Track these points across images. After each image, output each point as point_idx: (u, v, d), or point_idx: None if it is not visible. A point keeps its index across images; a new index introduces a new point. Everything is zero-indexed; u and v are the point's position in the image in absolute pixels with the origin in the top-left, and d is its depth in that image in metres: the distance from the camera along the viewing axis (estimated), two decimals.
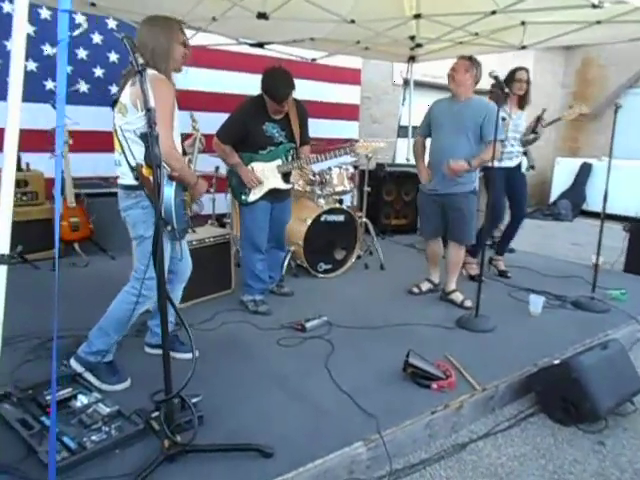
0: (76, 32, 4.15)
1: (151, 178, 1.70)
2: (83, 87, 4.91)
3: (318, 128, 6.40)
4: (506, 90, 3.04)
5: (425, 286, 3.93)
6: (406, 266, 4.67)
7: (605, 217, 3.73)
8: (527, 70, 4.10)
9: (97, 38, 4.97)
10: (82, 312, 2.60)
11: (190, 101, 5.03)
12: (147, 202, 2.27)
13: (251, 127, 3.23)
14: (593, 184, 8.95)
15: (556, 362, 2.59)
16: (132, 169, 1.91)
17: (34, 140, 4.43)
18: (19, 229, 4.04)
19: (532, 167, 4.54)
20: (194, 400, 2.24)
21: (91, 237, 4.34)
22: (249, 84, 3.25)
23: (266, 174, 3.30)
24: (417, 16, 4.18)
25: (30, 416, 2.05)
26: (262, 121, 3.24)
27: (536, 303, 3.55)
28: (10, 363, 2.54)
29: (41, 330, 2.93)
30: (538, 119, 4.16)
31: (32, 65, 4.59)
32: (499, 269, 4.60)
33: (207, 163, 4.15)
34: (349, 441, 2.06)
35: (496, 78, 3.02)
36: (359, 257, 4.76)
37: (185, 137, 2.64)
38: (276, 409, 2.30)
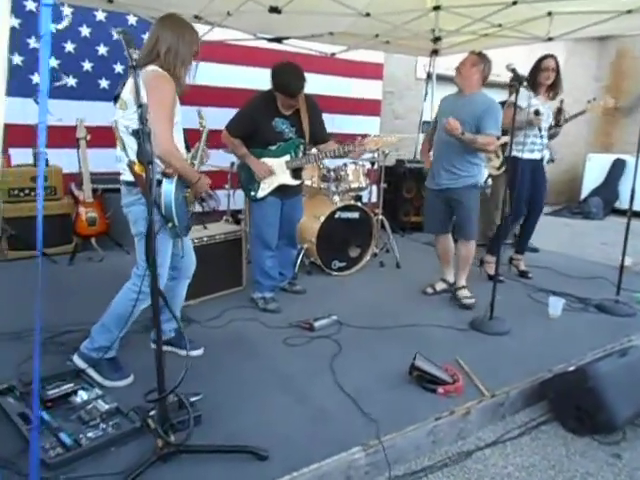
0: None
1: (144, 175, 1.68)
2: (103, 83, 4.95)
3: (338, 123, 6.37)
4: (524, 82, 2.91)
5: (440, 286, 3.83)
6: (423, 265, 4.57)
7: (636, 215, 3.55)
8: (555, 57, 3.90)
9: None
10: (94, 306, 2.59)
11: (202, 96, 5.05)
12: None
13: (260, 122, 3.21)
14: (627, 181, 8.59)
15: (571, 368, 2.47)
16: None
17: (53, 135, 4.54)
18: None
19: (552, 160, 4.36)
20: (193, 399, 2.23)
21: (107, 232, 4.39)
22: (263, 79, 3.20)
23: (275, 170, 3.27)
24: (436, 8, 4.06)
25: (31, 410, 2.06)
26: (272, 117, 3.22)
27: (556, 305, 3.41)
28: (18, 357, 2.58)
29: (53, 324, 2.97)
30: (559, 111, 3.99)
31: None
32: (519, 269, 4.45)
33: (223, 159, 4.14)
34: (347, 445, 2.01)
35: (513, 71, 2.89)
36: (375, 255, 4.69)
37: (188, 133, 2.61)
38: (277, 410, 2.26)
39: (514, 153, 3.90)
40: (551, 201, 9.21)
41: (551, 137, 4.18)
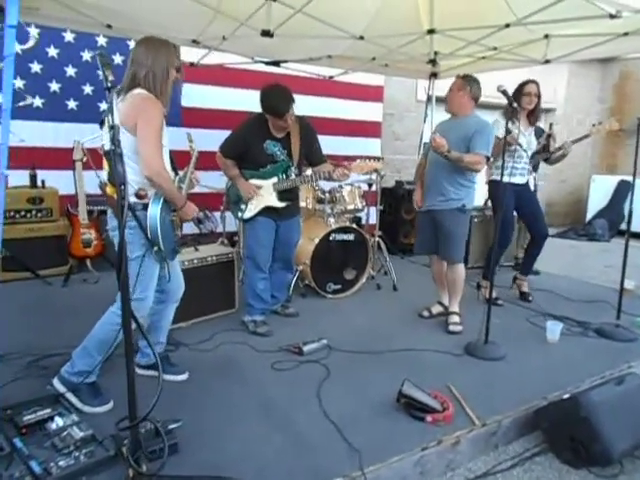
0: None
1: (115, 196, 1.66)
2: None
3: (338, 145, 6.38)
4: (514, 105, 2.89)
5: (436, 309, 3.75)
6: (421, 287, 4.49)
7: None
8: (537, 83, 3.93)
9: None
10: (85, 329, 2.51)
11: (199, 118, 5.09)
12: (134, 222, 2.25)
13: (252, 145, 3.23)
14: (634, 203, 8.48)
15: (565, 397, 2.38)
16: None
17: (50, 157, 4.59)
18: (34, 245, 4.25)
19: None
20: (172, 426, 2.17)
21: (103, 253, 4.38)
22: (255, 101, 3.22)
23: (262, 191, 3.27)
24: (431, 31, 4.07)
25: (3, 437, 2.02)
26: (263, 139, 3.23)
27: (553, 330, 3.32)
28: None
29: (39, 347, 2.94)
30: (548, 136, 3.97)
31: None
32: (521, 290, 4.37)
33: (218, 180, 4.14)
34: (328, 477, 1.93)
35: (504, 92, 2.88)
36: (372, 277, 4.63)
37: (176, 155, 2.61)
38: (258, 438, 2.19)
39: (492, 177, 4.03)
40: (556, 223, 9.13)
41: (558, 159, 4.15)
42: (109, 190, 1.68)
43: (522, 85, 3.94)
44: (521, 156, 3.90)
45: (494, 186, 3.69)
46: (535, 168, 4.19)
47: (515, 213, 4.16)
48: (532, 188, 4.16)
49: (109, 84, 1.68)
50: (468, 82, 3.32)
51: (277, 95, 3.08)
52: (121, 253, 1.68)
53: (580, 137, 4.11)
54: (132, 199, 2.00)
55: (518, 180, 3.98)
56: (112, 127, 1.62)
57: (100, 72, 1.69)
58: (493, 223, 4.85)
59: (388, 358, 3.03)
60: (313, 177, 3.31)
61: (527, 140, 3.95)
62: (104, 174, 2.36)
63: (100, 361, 2.35)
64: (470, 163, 3.24)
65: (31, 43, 3.63)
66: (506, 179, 3.80)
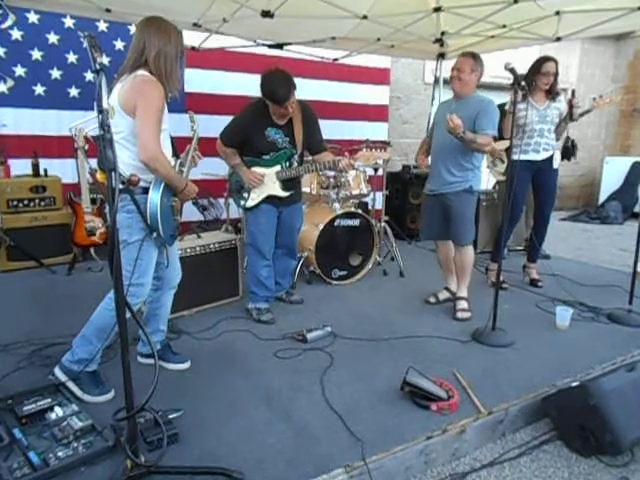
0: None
1: (106, 183, 1.61)
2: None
3: (344, 130, 6.29)
4: (522, 84, 2.77)
5: (443, 295, 3.69)
6: (428, 273, 4.42)
7: None
8: (556, 61, 3.76)
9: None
10: (89, 318, 2.53)
11: (200, 103, 5.01)
12: (132, 206, 2.22)
13: (252, 132, 3.13)
14: None
15: (574, 384, 2.31)
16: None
17: (52, 146, 4.56)
18: (37, 234, 4.23)
19: (572, 154, 4.20)
20: (173, 415, 2.15)
21: (107, 241, 4.35)
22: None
23: (265, 180, 3.19)
24: (437, 9, 3.95)
25: (3, 427, 2.00)
26: (264, 126, 3.13)
27: (563, 315, 3.24)
28: (2, 370, 2.54)
29: (43, 336, 2.94)
30: (570, 103, 3.82)
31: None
32: (531, 277, 4.28)
33: (221, 167, 4.08)
34: (329, 467, 1.89)
35: (512, 71, 2.76)
36: (379, 263, 4.57)
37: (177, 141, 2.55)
38: (259, 428, 2.15)
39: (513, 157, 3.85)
40: (568, 206, 8.98)
41: (581, 115, 3.97)
42: (99, 176, 1.62)
43: (540, 63, 3.77)
44: (533, 132, 3.79)
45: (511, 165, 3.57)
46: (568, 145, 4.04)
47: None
48: (555, 165, 3.98)
49: (97, 66, 1.62)
50: (478, 62, 3.21)
51: (277, 81, 2.94)
52: (113, 240, 1.64)
53: (583, 111, 3.95)
54: (121, 186, 1.94)
55: (533, 157, 3.85)
56: (101, 111, 1.56)
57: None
58: (501, 207, 4.78)
59: (393, 345, 2.98)
60: (317, 166, 3.22)
61: (540, 114, 3.80)
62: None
63: (100, 348, 2.32)
64: (481, 145, 3.15)
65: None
66: (521, 156, 3.72)
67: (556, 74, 3.77)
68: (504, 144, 3.92)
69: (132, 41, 2.28)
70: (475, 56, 3.23)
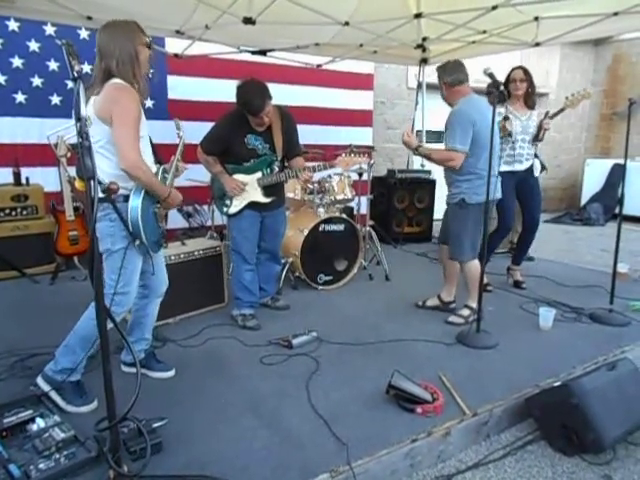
0: None
1: (84, 191, 1.60)
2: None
3: (329, 135, 6.31)
4: (501, 89, 2.81)
5: (432, 302, 3.67)
6: (413, 277, 4.46)
7: (634, 220, 3.43)
8: (524, 69, 3.88)
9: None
10: (72, 327, 2.50)
11: (185, 110, 5.00)
12: (114, 215, 2.19)
13: (233, 139, 3.14)
14: (627, 186, 8.43)
15: (556, 384, 2.34)
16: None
17: (34, 154, 4.51)
18: (19, 243, 4.18)
19: (544, 168, 4.26)
20: (157, 424, 2.13)
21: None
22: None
23: (247, 187, 3.20)
24: (418, 15, 4.00)
25: None
26: (244, 133, 3.14)
27: (546, 316, 3.28)
28: None
29: (25, 347, 2.90)
30: (540, 124, 3.91)
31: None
32: (514, 279, 4.33)
33: (205, 174, 4.06)
34: (314, 472, 1.89)
35: (490, 75, 2.80)
36: (365, 268, 4.58)
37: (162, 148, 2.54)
38: (245, 435, 2.14)
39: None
40: (551, 208, 9.09)
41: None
42: (78, 184, 1.62)
43: (509, 72, 3.92)
44: (515, 142, 3.85)
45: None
46: (536, 154, 4.11)
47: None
48: (536, 173, 4.04)
49: (75, 74, 1.61)
50: (438, 74, 3.24)
51: (252, 92, 2.94)
52: (92, 250, 1.62)
53: (556, 111, 4.04)
54: (102, 195, 1.93)
55: (517, 167, 3.92)
56: (79, 119, 1.56)
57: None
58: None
59: (379, 349, 2.99)
60: (294, 173, 3.22)
61: (523, 125, 3.88)
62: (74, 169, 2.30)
63: (83, 358, 2.30)
64: (439, 160, 3.16)
65: None
66: (506, 168, 3.79)
67: (529, 81, 3.87)
68: None
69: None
70: (437, 69, 3.28)
